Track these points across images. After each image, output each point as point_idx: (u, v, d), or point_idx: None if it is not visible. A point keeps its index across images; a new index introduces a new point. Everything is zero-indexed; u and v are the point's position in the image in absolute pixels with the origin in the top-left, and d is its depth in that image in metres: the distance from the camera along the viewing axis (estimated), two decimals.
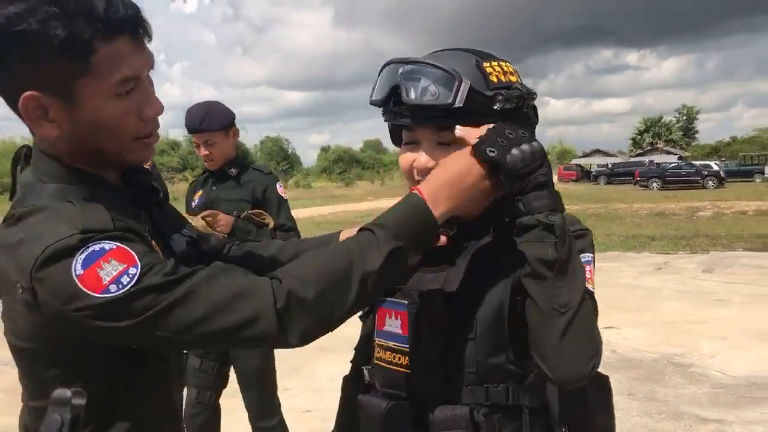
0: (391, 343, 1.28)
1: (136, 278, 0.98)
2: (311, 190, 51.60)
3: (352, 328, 6.07)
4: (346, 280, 1.04)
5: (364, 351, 1.42)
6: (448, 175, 1.14)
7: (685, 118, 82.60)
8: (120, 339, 1.03)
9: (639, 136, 76.72)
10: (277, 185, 3.38)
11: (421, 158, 1.23)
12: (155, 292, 0.99)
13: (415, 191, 1.13)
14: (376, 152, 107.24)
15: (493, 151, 1.12)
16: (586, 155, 68.91)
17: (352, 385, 1.45)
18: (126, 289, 0.97)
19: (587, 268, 1.20)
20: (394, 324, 1.28)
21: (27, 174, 1.14)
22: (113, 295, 0.97)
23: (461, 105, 1.16)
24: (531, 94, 1.22)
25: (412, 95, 1.17)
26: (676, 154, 61.77)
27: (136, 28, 1.07)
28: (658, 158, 56.16)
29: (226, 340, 1.05)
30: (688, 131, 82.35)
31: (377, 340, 1.32)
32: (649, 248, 12.46)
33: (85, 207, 1.05)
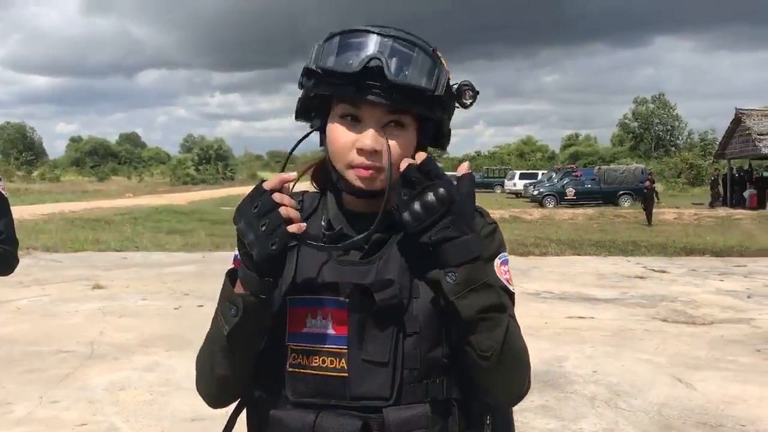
0: (318, 346, 1.14)
1: None
2: (60, 184, 47.27)
3: (121, 333, 5.73)
4: None
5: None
6: None
7: None
8: None
9: None
10: None
11: (366, 140, 1.12)
12: None
13: None
14: (134, 146, 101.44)
15: (395, 208, 1.08)
16: None
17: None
18: None
19: (504, 268, 1.21)
20: (320, 324, 1.14)
21: None
22: None
23: (441, 94, 1.11)
24: None
25: (400, 74, 1.08)
26: None
27: None
28: None
29: None
30: None
31: (292, 345, 1.15)
32: None
33: None
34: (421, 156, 1.11)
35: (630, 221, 21.35)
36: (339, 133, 1.15)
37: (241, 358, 1.13)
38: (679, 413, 4.60)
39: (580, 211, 24.89)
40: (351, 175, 1.14)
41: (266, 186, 1.05)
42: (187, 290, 9.08)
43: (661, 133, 68.89)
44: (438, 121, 1.18)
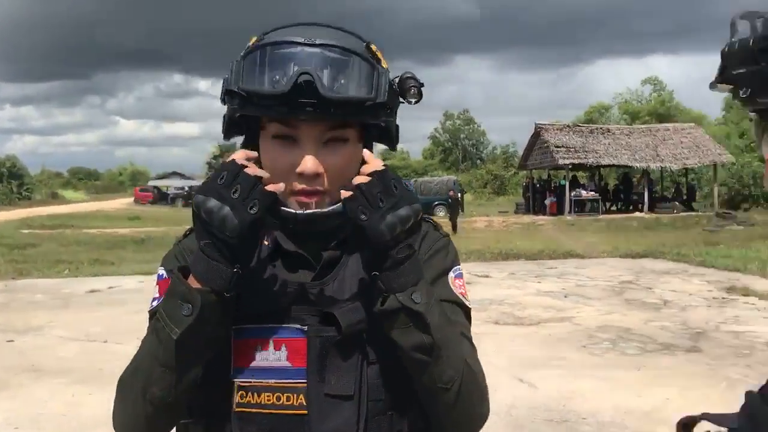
0: (271, 382, 1.00)
1: None
2: None
3: None
4: None
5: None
6: None
7: None
8: None
9: (214, 161, 79.36)
10: None
11: (307, 164, 1.00)
12: None
13: None
14: None
15: (365, 215, 0.93)
16: (162, 177, 68.51)
17: None
18: None
19: (459, 282, 1.10)
20: (273, 356, 1.01)
21: None
22: None
23: (384, 100, 0.99)
24: None
25: (335, 87, 0.96)
26: None
27: None
28: None
29: None
30: None
31: (239, 381, 1.01)
32: None
33: None
34: (377, 163, 0.98)
35: (446, 229, 22.38)
36: (274, 158, 1.03)
37: (185, 374, 0.95)
38: (527, 412, 4.79)
39: None
40: (292, 202, 1.03)
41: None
42: None
43: (467, 147, 73.24)
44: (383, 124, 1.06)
